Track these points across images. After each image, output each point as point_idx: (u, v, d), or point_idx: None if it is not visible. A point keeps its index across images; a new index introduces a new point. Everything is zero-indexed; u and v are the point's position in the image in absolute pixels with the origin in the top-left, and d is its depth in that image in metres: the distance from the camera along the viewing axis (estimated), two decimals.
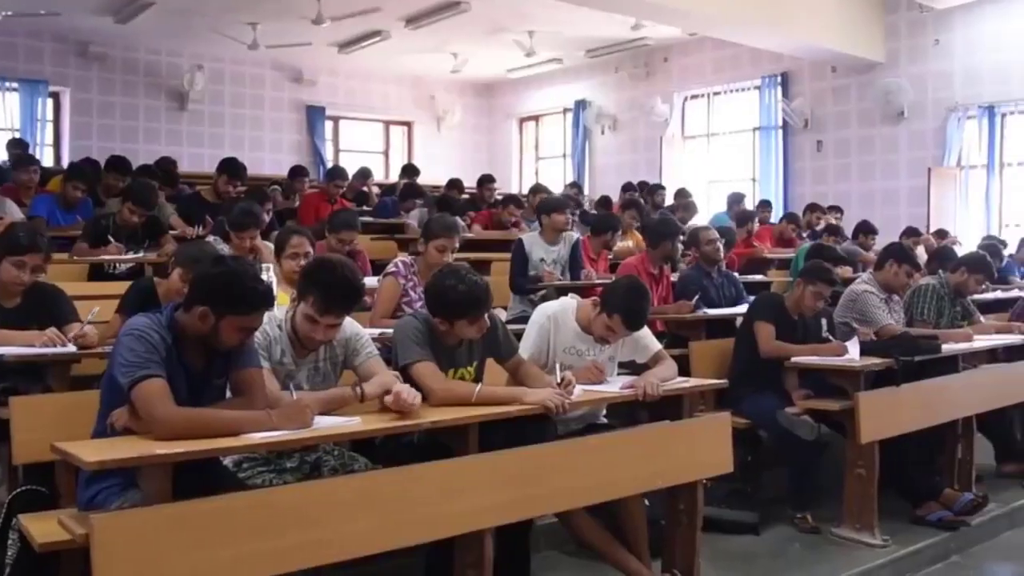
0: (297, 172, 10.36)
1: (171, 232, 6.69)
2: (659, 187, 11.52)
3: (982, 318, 6.46)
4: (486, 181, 10.40)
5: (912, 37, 11.62)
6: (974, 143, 11.17)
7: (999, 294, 8.30)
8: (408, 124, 17.02)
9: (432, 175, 13.54)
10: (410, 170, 11.77)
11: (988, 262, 6.48)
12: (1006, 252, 9.68)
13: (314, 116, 15.64)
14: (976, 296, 6.74)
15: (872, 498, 4.67)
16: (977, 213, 11.12)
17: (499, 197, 9.97)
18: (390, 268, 5.09)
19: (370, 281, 5.48)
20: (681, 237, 6.94)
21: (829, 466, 4.98)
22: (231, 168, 7.83)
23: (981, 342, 5.82)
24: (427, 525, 3.04)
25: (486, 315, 3.65)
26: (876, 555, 4.51)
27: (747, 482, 5.04)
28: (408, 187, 9.97)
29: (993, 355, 6.08)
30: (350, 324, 3.55)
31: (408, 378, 3.47)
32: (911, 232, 9.49)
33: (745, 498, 4.94)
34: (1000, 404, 5.76)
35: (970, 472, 5.43)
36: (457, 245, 5.14)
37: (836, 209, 10.62)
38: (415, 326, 3.61)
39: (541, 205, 6.91)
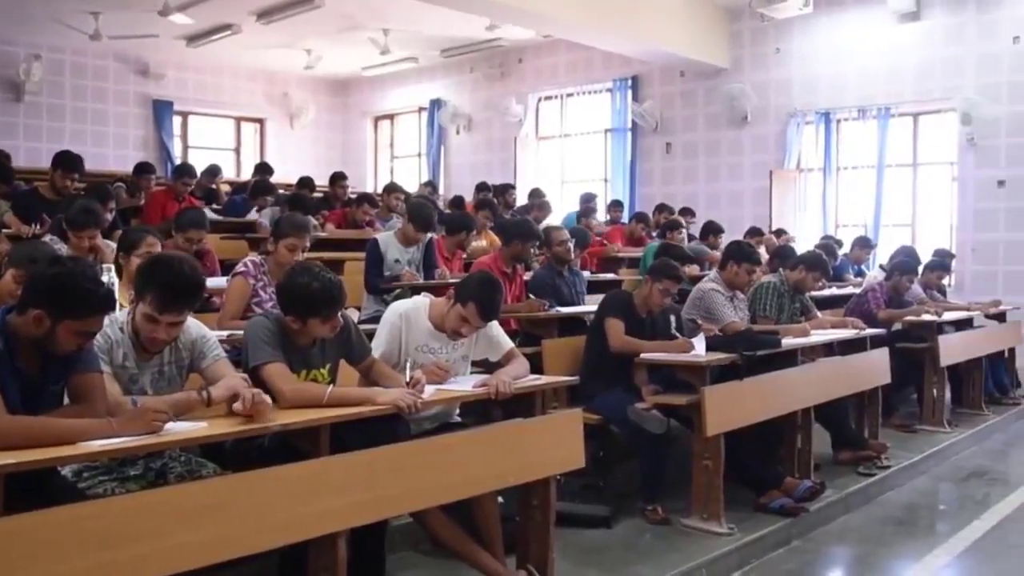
0: (143, 169, 9.96)
1: (5, 231, 6.36)
2: (510, 187, 11.61)
3: (819, 314, 6.77)
4: (339, 179, 10.26)
5: (755, 45, 12.09)
6: (812, 147, 11.70)
7: (835, 291, 8.73)
8: (260, 121, 16.66)
9: (285, 173, 13.28)
10: (263, 168, 11.50)
11: (824, 260, 6.80)
12: (841, 251, 10.19)
13: (161, 111, 15.12)
14: (814, 293, 7.07)
15: (718, 488, 4.81)
16: (815, 214, 11.64)
17: (353, 196, 9.86)
18: (239, 268, 4.96)
19: (219, 281, 5.35)
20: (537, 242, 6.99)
21: (678, 459, 5.12)
22: (66, 161, 7.41)
23: (818, 336, 6.11)
24: (279, 530, 2.97)
25: (339, 314, 3.60)
26: (723, 543, 4.64)
27: (599, 476, 5.15)
28: (258, 185, 9.72)
29: (830, 349, 6.39)
30: (196, 326, 3.44)
31: (258, 380, 3.39)
32: (754, 232, 9.88)
33: (597, 492, 5.04)
34: (836, 395, 6.05)
35: (809, 460, 5.67)
36: (308, 244, 5.06)
37: (688, 212, 10.92)
38: (265, 326, 3.54)
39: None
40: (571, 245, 6.67)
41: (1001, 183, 10.25)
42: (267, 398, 3.16)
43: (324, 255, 7.21)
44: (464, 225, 7.14)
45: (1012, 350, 9.14)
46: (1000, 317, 9.08)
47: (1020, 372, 9.42)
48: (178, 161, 13.46)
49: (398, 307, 4.19)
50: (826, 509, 5.38)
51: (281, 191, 9.99)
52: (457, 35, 13.62)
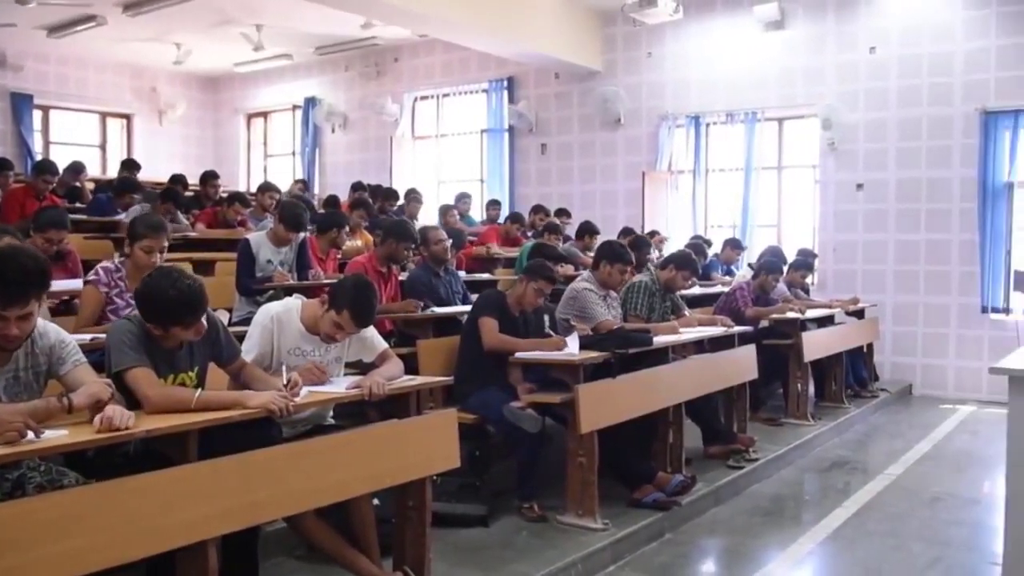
0: None
1: None
2: (394, 193, 11.57)
3: (689, 312, 6.94)
4: (210, 178, 9.99)
5: (628, 49, 12.30)
6: (683, 150, 11.95)
7: (705, 289, 8.97)
8: (127, 117, 16.08)
9: (155, 171, 12.88)
10: (129, 165, 11.12)
11: (694, 260, 6.98)
12: (711, 251, 10.47)
13: (20, 104, 14.41)
14: (684, 292, 7.24)
15: (593, 485, 4.89)
16: (686, 214, 11.90)
17: (224, 195, 9.62)
18: (91, 275, 4.72)
19: (80, 284, 5.14)
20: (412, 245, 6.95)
21: (553, 456, 5.18)
22: None
23: (688, 334, 6.26)
24: (146, 539, 2.89)
25: (204, 317, 3.50)
26: (598, 538, 4.72)
27: (476, 476, 5.15)
28: (123, 182, 9.37)
29: (700, 346, 6.57)
30: (55, 331, 3.29)
31: (122, 385, 3.28)
32: (628, 232, 10.06)
33: (474, 491, 5.05)
34: (706, 391, 6.23)
35: (680, 455, 5.83)
36: (165, 244, 4.82)
37: (564, 213, 11.03)
38: (129, 329, 3.41)
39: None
40: (448, 245, 6.67)
41: (859, 186, 10.71)
42: (131, 416, 3.03)
43: (194, 255, 7.05)
44: (335, 222, 7.04)
45: (870, 345, 9.59)
46: (859, 314, 9.50)
47: (878, 366, 9.89)
48: (39, 157, 12.87)
49: (269, 309, 4.10)
50: (697, 502, 5.53)
51: (150, 189, 9.67)
52: (332, 33, 13.45)
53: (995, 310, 9.97)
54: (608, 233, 9.84)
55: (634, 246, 7.76)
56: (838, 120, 10.62)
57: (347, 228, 6.96)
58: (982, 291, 9.99)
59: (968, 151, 10.03)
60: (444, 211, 10.09)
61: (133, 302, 3.86)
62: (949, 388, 10.14)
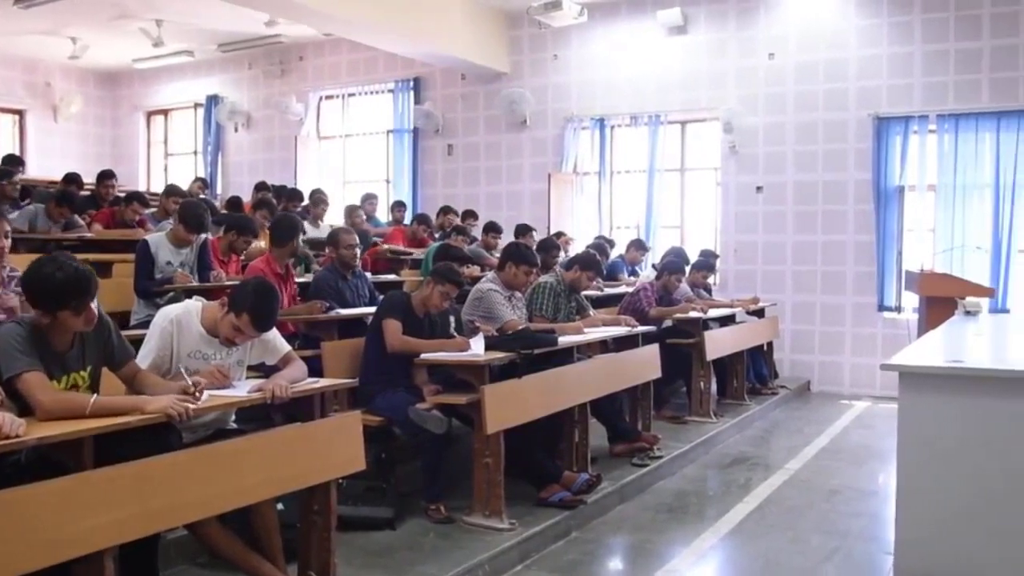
0: None
1: None
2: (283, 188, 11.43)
3: (593, 312, 7.01)
4: (105, 178, 9.67)
5: (533, 52, 12.37)
6: (588, 151, 12.07)
7: (610, 290, 9.07)
8: (20, 112, 15.50)
9: (49, 169, 12.46)
10: (10, 160, 10.57)
11: (598, 261, 7.06)
12: (615, 251, 10.59)
13: None
14: (589, 292, 7.31)
15: (499, 485, 4.90)
16: (591, 215, 12.02)
17: (122, 194, 9.35)
18: None
19: None
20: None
21: (460, 457, 5.18)
22: None
23: (593, 334, 6.33)
24: (39, 551, 2.79)
25: (94, 307, 3.39)
26: (505, 538, 4.73)
27: (382, 478, 5.12)
28: None
29: (604, 346, 6.64)
30: None
31: (13, 391, 3.16)
32: (523, 230, 10.11)
33: (381, 494, 5.01)
34: (611, 390, 6.30)
35: (586, 454, 5.89)
36: (8, 228, 4.45)
37: (472, 215, 11.02)
38: (17, 333, 3.28)
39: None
40: (357, 251, 6.60)
41: (759, 188, 10.97)
42: (21, 424, 2.92)
43: (91, 257, 6.82)
44: (236, 225, 6.81)
45: (770, 344, 9.83)
46: (759, 313, 9.73)
47: (777, 364, 10.14)
48: None
49: (169, 312, 3.99)
50: (603, 500, 5.59)
51: (43, 188, 9.34)
52: (235, 30, 13.19)
53: (888, 309, 10.34)
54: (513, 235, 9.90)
55: (542, 248, 7.82)
56: (739, 124, 10.87)
57: (251, 236, 6.75)
58: (877, 290, 10.34)
59: (862, 155, 10.37)
60: (351, 211, 9.98)
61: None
62: (845, 384, 10.46)
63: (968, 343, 5.45)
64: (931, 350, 4.96)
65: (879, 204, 10.30)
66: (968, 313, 7.25)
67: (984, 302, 8.02)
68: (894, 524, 4.04)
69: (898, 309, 10.28)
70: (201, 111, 15.48)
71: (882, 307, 10.35)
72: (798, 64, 10.71)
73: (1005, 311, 9.63)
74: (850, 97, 10.43)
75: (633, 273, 10.37)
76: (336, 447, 3.95)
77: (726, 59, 11.10)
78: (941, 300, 7.95)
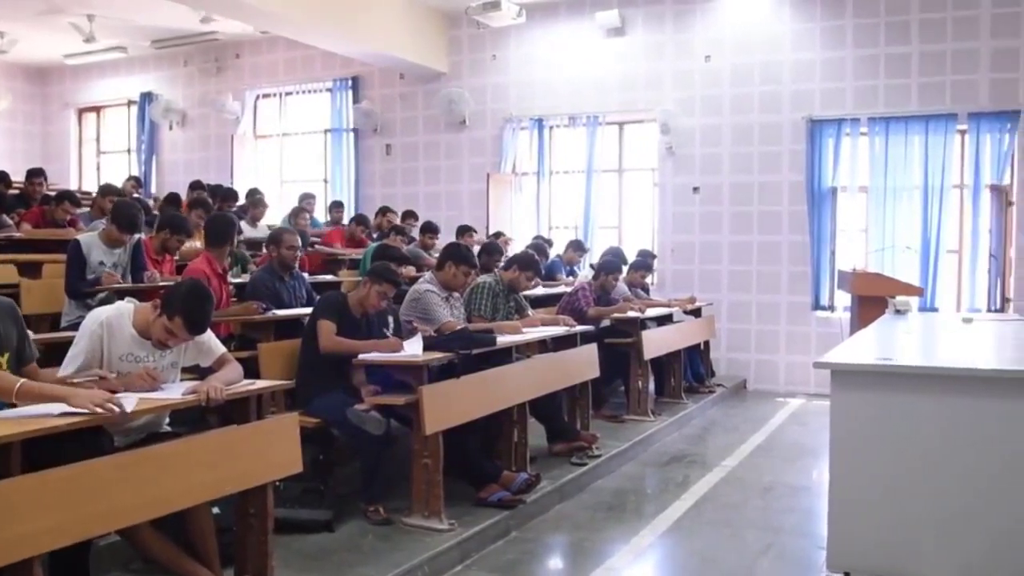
0: None
1: None
2: (219, 187, 11.28)
3: (532, 312, 7.04)
4: (34, 176, 9.46)
5: (472, 52, 12.36)
6: (527, 152, 12.11)
7: (548, 290, 9.10)
8: None
9: None
10: None
11: (536, 261, 7.08)
12: (554, 251, 10.63)
13: None
14: (528, 292, 7.33)
15: (438, 485, 4.89)
16: (529, 216, 12.05)
17: (52, 193, 9.15)
18: None
19: None
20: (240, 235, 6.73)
21: (399, 458, 5.16)
22: None
23: (531, 334, 6.34)
24: None
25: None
26: (444, 539, 4.72)
27: (320, 480, 5.08)
28: None
29: (543, 345, 6.66)
30: None
31: None
32: (463, 230, 10.12)
33: (319, 496, 4.97)
34: (550, 389, 6.32)
35: (525, 453, 5.89)
36: None
37: (411, 215, 10.98)
38: None
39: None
40: (299, 254, 6.54)
41: (696, 189, 11.09)
42: None
43: (20, 257, 6.70)
44: (169, 225, 6.69)
45: (707, 343, 9.95)
46: (696, 312, 9.83)
47: (714, 363, 10.27)
48: None
49: (99, 314, 3.90)
50: (542, 499, 5.60)
51: None
52: (169, 26, 12.98)
53: (822, 308, 10.54)
54: (454, 235, 9.89)
55: (486, 252, 7.83)
56: (676, 125, 10.98)
57: (184, 236, 6.63)
58: (811, 290, 10.53)
59: (796, 157, 10.55)
60: (296, 213, 9.87)
61: None
62: (781, 382, 10.63)
63: (898, 341, 5.57)
64: (862, 348, 5.07)
65: (813, 205, 10.49)
66: (898, 312, 7.41)
67: (914, 301, 8.20)
68: (826, 519, 4.12)
69: (831, 308, 10.48)
70: (135, 108, 15.20)
71: (816, 306, 10.55)
72: (734, 67, 10.86)
73: (934, 310, 9.87)
74: (784, 100, 10.61)
75: (571, 273, 10.42)
76: (273, 449, 3.91)
77: (663, 61, 11.21)
78: (872, 299, 8.12)
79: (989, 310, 9.90)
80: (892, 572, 4.05)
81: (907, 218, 10.16)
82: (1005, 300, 9.99)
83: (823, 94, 10.45)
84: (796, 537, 5.22)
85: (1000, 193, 10.07)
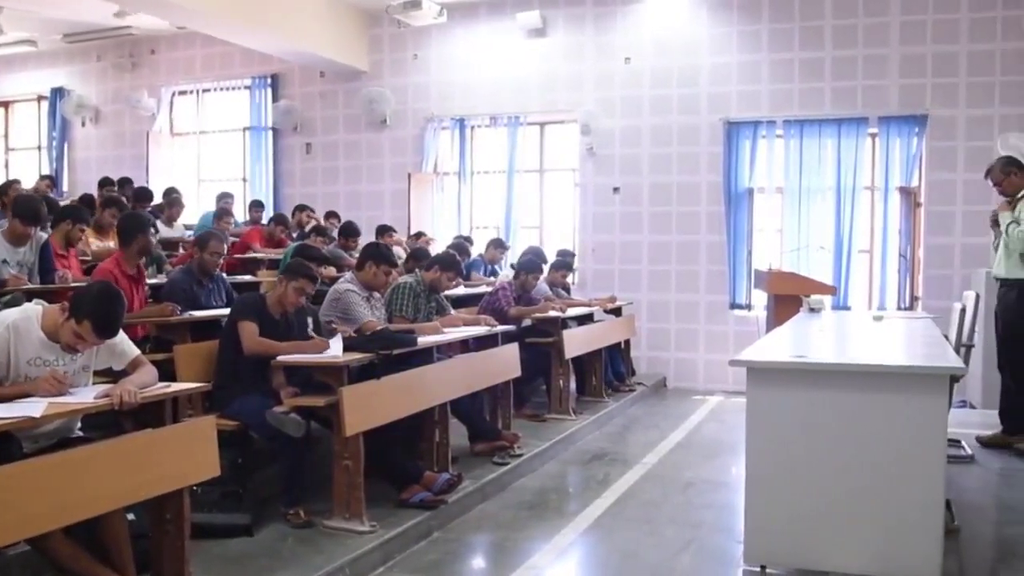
0: None
1: None
2: (127, 181, 11.06)
3: (453, 312, 7.03)
4: None
5: (393, 51, 12.31)
6: (448, 151, 12.09)
7: (469, 289, 9.09)
8: None
9: None
10: None
11: (458, 261, 7.08)
12: (474, 251, 10.64)
13: None
14: (449, 292, 7.32)
15: (359, 487, 4.85)
16: (451, 215, 12.04)
17: None
18: None
19: None
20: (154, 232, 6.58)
21: (319, 460, 5.12)
22: None
23: (452, 334, 6.34)
24: None
25: None
26: (366, 541, 4.69)
27: (238, 484, 5.00)
28: None
29: (465, 345, 6.66)
30: None
31: None
32: (383, 230, 10.07)
33: (237, 500, 4.89)
34: (471, 389, 6.33)
35: (446, 454, 5.88)
36: None
37: (333, 215, 10.90)
38: None
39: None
40: (220, 260, 6.43)
41: (616, 190, 11.21)
42: None
43: None
44: (68, 215, 6.49)
45: (627, 341, 10.05)
46: (617, 312, 9.93)
47: (634, 361, 10.38)
48: None
49: (5, 317, 3.77)
50: (464, 499, 5.60)
51: None
52: (81, 19, 12.65)
53: (739, 306, 10.73)
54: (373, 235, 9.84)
55: (413, 257, 7.81)
56: (596, 126, 11.08)
57: (85, 224, 6.46)
58: (728, 289, 10.72)
59: (713, 158, 10.73)
60: (220, 215, 9.70)
61: None
62: (699, 380, 10.80)
63: (812, 339, 5.70)
64: (777, 346, 5.18)
65: (730, 205, 10.68)
66: (812, 310, 7.59)
67: (827, 299, 8.42)
68: (743, 513, 4.20)
69: (748, 307, 10.68)
70: (45, 104, 14.79)
71: (733, 305, 10.74)
72: (653, 69, 11.00)
73: (846, 308, 10.13)
74: (702, 102, 10.78)
75: (492, 273, 10.43)
76: (189, 453, 3.84)
77: (584, 62, 11.30)
78: (788, 298, 8.31)
79: (899, 308, 10.20)
80: (805, 564, 4.16)
81: (821, 219, 10.41)
82: (914, 298, 10.31)
83: (740, 97, 10.65)
84: (715, 532, 5.30)
85: (909, 195, 10.38)
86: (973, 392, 9.02)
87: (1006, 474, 6.24)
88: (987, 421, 7.30)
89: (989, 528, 5.17)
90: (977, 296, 6.13)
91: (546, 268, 9.07)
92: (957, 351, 5.43)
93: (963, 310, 6.00)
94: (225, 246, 6.46)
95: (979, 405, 8.76)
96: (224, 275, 6.80)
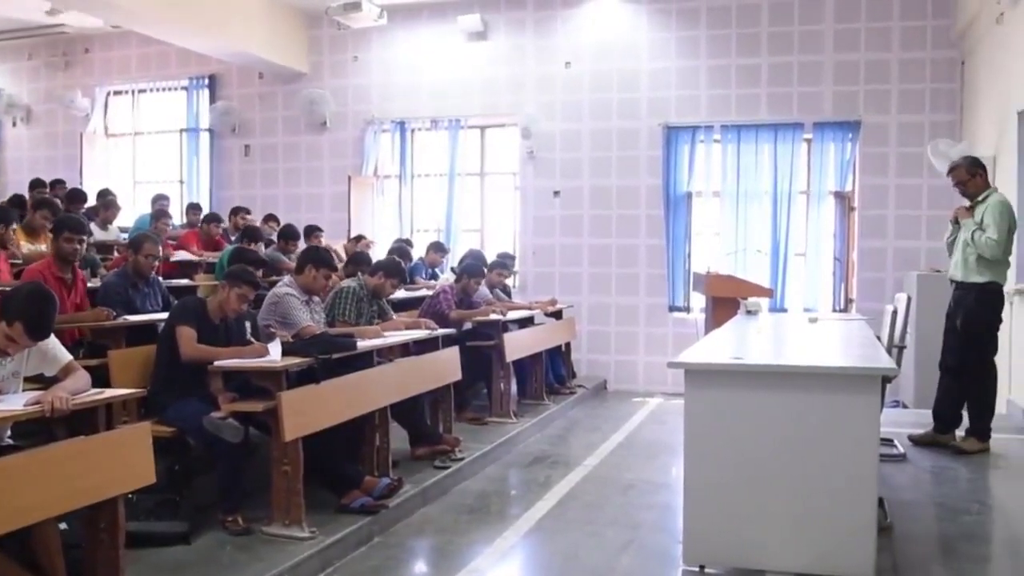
0: None
1: None
2: (59, 182, 10.84)
3: (395, 316, 7.00)
4: None
5: (334, 53, 12.23)
6: (388, 154, 12.05)
7: (410, 293, 9.05)
8: None
9: None
10: None
11: (402, 268, 7.07)
12: (415, 254, 10.60)
13: None
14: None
15: (298, 493, 4.81)
16: (392, 219, 12.00)
17: None
18: None
19: None
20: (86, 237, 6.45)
21: (258, 466, 5.06)
22: None
23: (393, 337, 6.31)
24: None
25: None
26: (305, 547, 4.64)
27: (175, 491, 4.93)
28: None
29: (405, 349, 6.63)
30: None
31: None
32: (311, 230, 9.96)
33: (174, 507, 4.82)
34: (412, 393, 6.30)
35: (387, 458, 5.85)
36: None
37: (272, 218, 10.79)
38: None
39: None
40: (157, 264, 6.32)
41: (556, 193, 11.27)
42: None
43: None
44: None
45: (568, 344, 10.09)
46: (557, 315, 9.96)
47: (575, 364, 10.43)
48: None
49: None
50: (405, 504, 5.58)
51: None
52: (11, 16, 12.39)
53: (678, 309, 10.86)
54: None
55: (353, 261, 7.75)
56: (537, 129, 11.13)
57: (6, 223, 6.31)
58: (667, 291, 10.83)
59: (653, 162, 10.84)
60: (158, 216, 9.53)
61: None
62: (640, 382, 10.90)
63: (749, 341, 5.78)
64: (715, 348, 5.24)
65: (669, 209, 10.80)
66: (749, 312, 7.69)
67: (764, 302, 8.55)
68: (682, 514, 4.24)
69: (687, 309, 10.81)
70: None
71: (672, 307, 10.86)
72: (593, 73, 11.08)
73: (783, 310, 10.30)
74: (642, 106, 10.89)
75: (433, 276, 10.40)
76: (124, 461, 3.77)
77: (525, 66, 11.34)
78: (726, 300, 8.42)
79: (834, 310, 10.41)
80: (743, 563, 4.22)
81: (758, 222, 10.57)
82: (848, 300, 10.52)
83: (679, 101, 10.77)
84: (655, 533, 5.34)
85: (843, 199, 10.59)
86: (906, 392, 9.23)
87: (937, 472, 6.38)
88: (919, 420, 7.45)
89: (921, 525, 5.27)
90: (909, 298, 6.25)
91: (486, 271, 9.06)
92: (889, 352, 5.54)
93: (895, 312, 6.12)
94: (160, 248, 6.35)
95: (912, 405, 8.96)
96: (160, 278, 6.69)
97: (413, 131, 11.99)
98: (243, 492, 4.98)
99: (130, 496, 4.02)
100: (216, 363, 4.94)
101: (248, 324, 5.42)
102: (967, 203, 6.83)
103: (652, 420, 8.99)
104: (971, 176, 6.74)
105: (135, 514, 4.41)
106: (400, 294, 8.46)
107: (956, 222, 6.86)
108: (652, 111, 10.85)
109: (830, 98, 10.35)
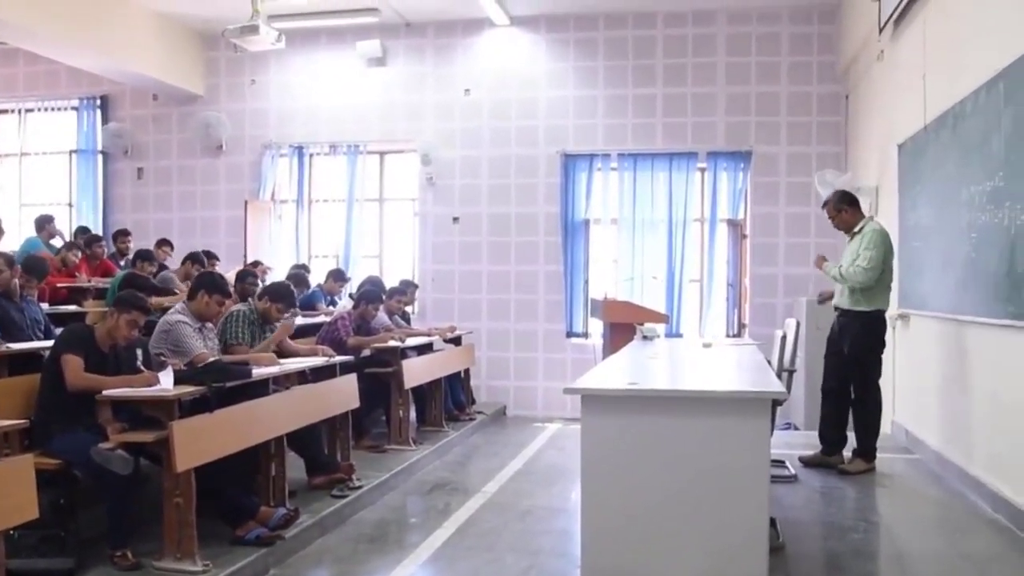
0: None
1: None
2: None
3: (292, 343, 6.91)
4: None
5: (230, 75, 12.07)
6: (286, 179, 11.92)
7: (308, 319, 8.96)
8: None
9: None
10: None
11: (290, 292, 6.98)
12: (313, 280, 10.49)
13: None
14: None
15: (191, 525, 4.69)
16: (289, 244, 11.86)
17: None
18: None
19: None
20: None
21: (150, 498, 4.92)
22: None
23: (289, 364, 6.23)
24: None
25: None
26: None
27: (61, 526, 4.75)
28: None
29: (302, 376, 6.55)
30: None
31: None
32: (193, 258, 9.73)
33: (60, 543, 4.64)
34: (308, 421, 6.22)
35: (283, 488, 5.75)
36: None
37: (167, 243, 10.54)
38: None
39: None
40: (18, 282, 6.12)
41: (456, 219, 11.31)
42: None
43: None
44: None
45: (467, 371, 10.10)
46: (456, 341, 9.97)
47: (474, 390, 10.44)
48: None
49: None
50: (302, 534, 5.49)
51: None
52: None
53: (576, 335, 10.99)
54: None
55: (240, 278, 7.63)
56: (436, 156, 11.17)
57: None
58: (565, 317, 10.95)
59: (551, 189, 10.98)
60: (41, 226, 9.21)
61: None
62: (539, 408, 10.97)
63: (645, 366, 5.88)
64: (611, 373, 5.32)
65: (567, 236, 10.94)
66: (646, 338, 7.82)
67: (660, 327, 8.70)
68: (580, 538, 4.28)
69: (585, 335, 10.94)
70: None
71: (571, 333, 10.99)
72: (492, 101, 11.18)
73: (678, 336, 10.50)
74: (540, 134, 11.03)
75: (332, 303, 10.31)
76: (5, 495, 3.64)
77: (424, 93, 11.38)
78: (623, 326, 8.54)
79: (728, 335, 10.66)
80: None
81: (654, 249, 10.79)
82: (741, 325, 10.80)
83: (576, 130, 10.94)
84: (554, 558, 5.36)
85: (736, 227, 10.89)
86: (796, 414, 9.49)
87: (826, 492, 6.58)
88: (810, 442, 7.66)
89: (812, 544, 5.42)
90: (798, 324, 6.44)
91: (385, 298, 9.03)
92: (779, 376, 5.70)
93: (784, 337, 6.30)
94: (3, 260, 6.15)
95: (803, 427, 9.21)
96: (38, 305, 6.48)
97: (311, 156, 11.90)
98: (133, 525, 4.83)
99: (11, 532, 3.87)
100: (105, 392, 4.80)
101: (139, 352, 5.28)
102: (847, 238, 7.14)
103: (551, 446, 9.04)
104: (838, 212, 7.06)
105: (17, 551, 4.25)
106: (298, 321, 8.37)
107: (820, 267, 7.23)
108: (550, 139, 11.00)
109: (723, 129, 10.65)
